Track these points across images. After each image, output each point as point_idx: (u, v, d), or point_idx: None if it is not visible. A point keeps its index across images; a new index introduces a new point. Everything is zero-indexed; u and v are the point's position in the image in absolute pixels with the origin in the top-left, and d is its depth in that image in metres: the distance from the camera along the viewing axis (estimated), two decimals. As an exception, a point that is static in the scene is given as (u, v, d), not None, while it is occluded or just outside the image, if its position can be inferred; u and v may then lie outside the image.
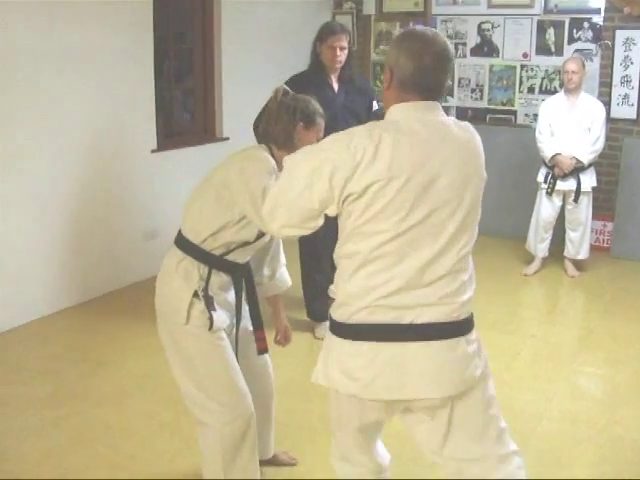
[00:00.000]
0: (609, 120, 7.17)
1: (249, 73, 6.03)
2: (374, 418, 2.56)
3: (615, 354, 5.19)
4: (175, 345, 3.08)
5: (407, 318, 2.34)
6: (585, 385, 4.86)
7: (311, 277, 5.45)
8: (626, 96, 7.41)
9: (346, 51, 5.25)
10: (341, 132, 2.39)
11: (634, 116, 7.41)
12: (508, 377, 4.69)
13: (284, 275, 3.53)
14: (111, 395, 4.43)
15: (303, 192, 2.34)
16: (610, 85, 7.45)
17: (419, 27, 2.57)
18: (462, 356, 2.40)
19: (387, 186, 2.26)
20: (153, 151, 6.33)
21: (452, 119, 2.45)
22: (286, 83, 5.37)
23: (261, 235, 3.04)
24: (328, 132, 4.56)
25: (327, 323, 2.52)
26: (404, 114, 2.38)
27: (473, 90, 8.19)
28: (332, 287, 2.47)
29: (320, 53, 5.22)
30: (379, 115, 5.50)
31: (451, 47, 2.42)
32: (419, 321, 2.34)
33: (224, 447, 3.08)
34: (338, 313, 2.42)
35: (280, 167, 2.72)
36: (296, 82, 4.62)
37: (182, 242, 3.09)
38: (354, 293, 2.36)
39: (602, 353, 5.22)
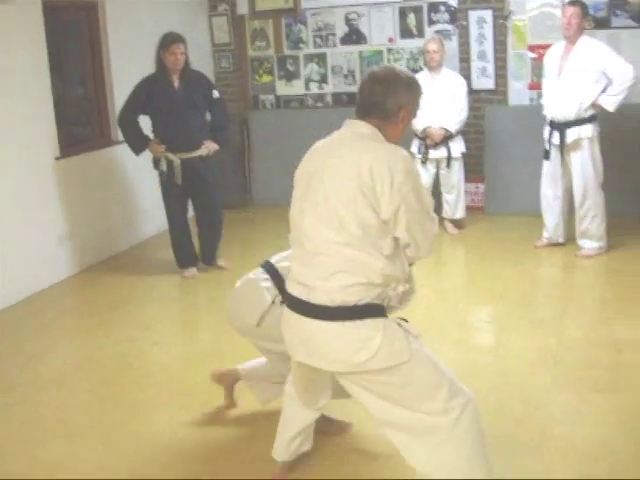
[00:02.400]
0: (471, 92, 7.96)
1: (136, 76, 6.47)
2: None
3: (495, 292, 5.93)
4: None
5: (305, 296, 2.87)
6: (473, 318, 5.60)
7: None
8: (484, 69, 8.19)
9: (184, 56, 6.35)
10: None
11: (492, 86, 8.20)
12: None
13: None
14: (50, 380, 4.79)
15: None
16: (469, 60, 8.22)
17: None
18: (346, 339, 2.79)
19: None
20: (57, 158, 6.70)
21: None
22: (137, 84, 6.29)
23: None
24: (172, 120, 6.13)
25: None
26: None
27: (346, 76, 8.83)
28: None
29: (164, 58, 6.30)
30: (221, 102, 6.67)
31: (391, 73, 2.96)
32: (314, 301, 2.83)
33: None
34: None
35: None
36: (146, 82, 6.39)
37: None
38: None
39: (484, 292, 5.97)
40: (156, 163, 6.48)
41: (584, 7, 6.38)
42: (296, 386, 3.33)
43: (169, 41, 6.28)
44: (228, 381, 4.14)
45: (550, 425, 3.90)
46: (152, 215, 7.63)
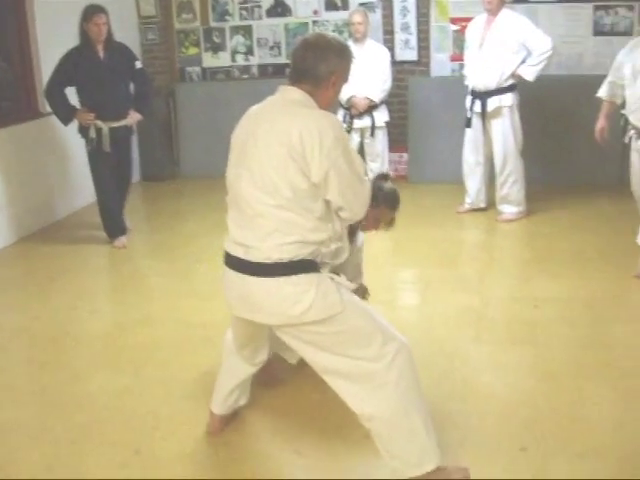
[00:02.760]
0: (395, 63, 8.14)
1: (63, 48, 6.44)
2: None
3: (419, 255, 6.17)
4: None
5: (244, 255, 3.00)
6: (398, 280, 5.83)
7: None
8: (407, 41, 8.39)
9: (107, 26, 6.39)
10: None
11: (415, 58, 8.42)
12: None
13: None
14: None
15: None
16: (392, 32, 8.41)
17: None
18: (283, 294, 2.94)
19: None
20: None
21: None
22: (63, 56, 6.34)
23: None
24: (99, 89, 6.18)
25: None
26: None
27: (272, 48, 8.94)
28: None
29: (87, 30, 6.33)
30: (143, 72, 6.79)
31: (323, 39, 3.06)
32: (252, 259, 2.99)
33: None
34: None
35: None
36: (71, 54, 6.39)
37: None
38: None
39: (409, 255, 6.20)
40: (84, 132, 6.51)
41: None
42: (236, 342, 3.46)
43: (91, 12, 6.34)
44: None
45: (473, 376, 4.12)
46: (85, 185, 7.62)
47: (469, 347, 4.48)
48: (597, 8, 7.85)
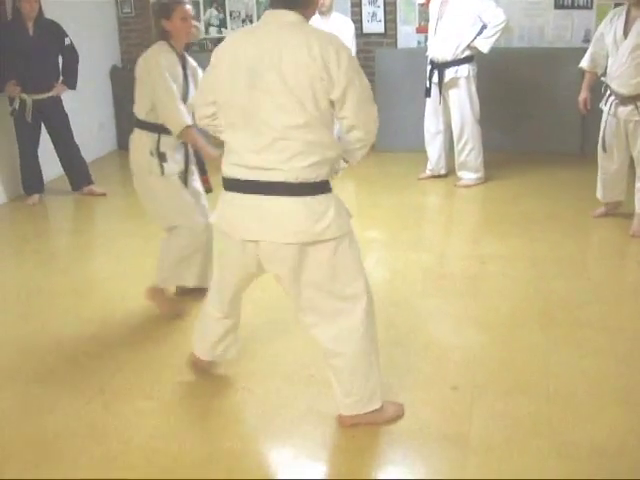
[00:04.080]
0: (362, 35, 8.44)
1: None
2: (248, 266, 3.31)
3: (380, 218, 6.48)
4: (146, 190, 4.54)
5: (265, 177, 3.04)
6: (359, 238, 6.07)
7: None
8: (374, 14, 8.64)
9: (37, 4, 6.93)
10: None
11: (382, 30, 8.67)
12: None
13: None
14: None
15: None
16: (360, 5, 8.66)
17: None
18: (308, 212, 3.06)
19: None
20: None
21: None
22: None
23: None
24: (27, 63, 6.70)
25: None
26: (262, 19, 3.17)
27: (244, 21, 9.17)
28: None
29: (20, 7, 6.88)
30: (72, 48, 7.27)
31: None
32: (275, 180, 3.02)
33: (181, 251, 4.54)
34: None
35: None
36: (1, 28, 7.07)
37: (135, 120, 4.50)
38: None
39: (370, 219, 6.46)
40: (10, 102, 7.04)
41: None
42: (219, 297, 3.59)
43: None
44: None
45: (416, 324, 4.46)
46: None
47: (416, 299, 4.81)
48: (558, -19, 8.12)
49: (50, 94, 7.11)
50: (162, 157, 4.42)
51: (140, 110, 4.45)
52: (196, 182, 4.71)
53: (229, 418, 3.62)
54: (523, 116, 8.16)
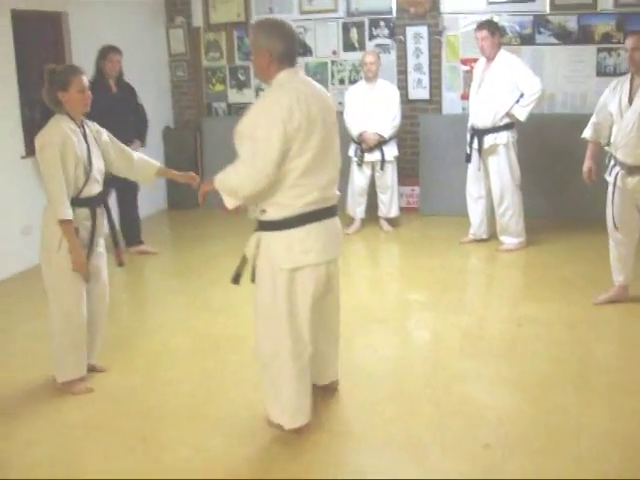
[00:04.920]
0: (408, 101, 8.68)
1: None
2: (322, 287, 3.84)
3: (421, 280, 6.59)
4: (47, 265, 4.44)
5: (331, 202, 3.81)
6: (401, 300, 6.27)
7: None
8: (420, 80, 8.87)
9: (119, 64, 7.43)
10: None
11: (427, 96, 8.89)
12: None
13: (142, 157, 4.85)
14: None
15: None
16: (406, 72, 8.90)
17: (265, 18, 3.94)
18: (340, 230, 3.94)
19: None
20: (22, 157, 7.25)
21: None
22: None
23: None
24: (111, 118, 6.19)
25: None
26: (294, 78, 3.69)
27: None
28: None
29: (103, 66, 7.33)
30: (143, 108, 7.77)
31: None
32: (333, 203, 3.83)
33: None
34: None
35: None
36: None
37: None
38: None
39: (412, 281, 6.62)
40: None
41: (492, 26, 7.08)
42: (308, 338, 3.88)
43: (107, 51, 7.36)
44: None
45: (453, 384, 4.54)
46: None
47: (453, 360, 4.88)
48: (600, 50, 8.27)
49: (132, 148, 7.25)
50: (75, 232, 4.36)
51: None
52: (100, 257, 4.64)
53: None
54: (565, 182, 8.21)
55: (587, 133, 5.93)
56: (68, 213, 4.28)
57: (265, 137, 3.51)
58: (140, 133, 7.66)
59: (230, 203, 3.84)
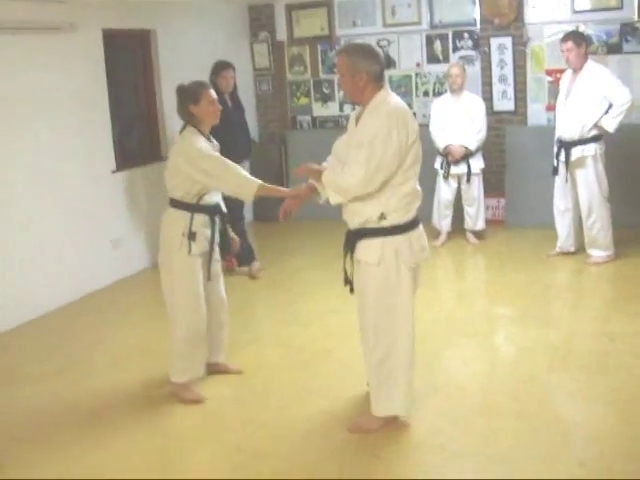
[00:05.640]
0: (493, 113, 8.62)
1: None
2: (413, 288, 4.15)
3: (509, 294, 6.56)
4: (168, 267, 4.64)
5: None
6: (489, 314, 6.28)
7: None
8: (504, 92, 8.82)
9: (233, 79, 7.46)
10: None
11: (512, 108, 8.83)
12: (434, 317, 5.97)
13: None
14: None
15: None
16: (490, 84, 8.85)
17: (353, 42, 4.23)
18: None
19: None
20: (113, 171, 7.47)
21: None
22: None
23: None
24: (230, 133, 6.25)
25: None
26: (390, 96, 3.97)
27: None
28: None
29: (217, 82, 7.23)
30: (246, 123, 7.82)
31: None
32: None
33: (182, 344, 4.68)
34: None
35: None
36: None
37: (170, 200, 4.68)
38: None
39: (499, 294, 6.60)
40: None
41: (577, 37, 6.97)
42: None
43: (221, 67, 7.37)
44: None
45: (543, 399, 4.53)
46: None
47: (542, 375, 4.86)
48: (688, 58, 8.11)
49: (247, 161, 7.38)
50: (192, 237, 4.58)
51: (176, 191, 4.62)
52: (218, 264, 4.88)
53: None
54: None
55: None
56: (255, 179, 4.65)
57: (383, 148, 3.80)
58: (248, 152, 7.60)
59: (334, 199, 4.05)
